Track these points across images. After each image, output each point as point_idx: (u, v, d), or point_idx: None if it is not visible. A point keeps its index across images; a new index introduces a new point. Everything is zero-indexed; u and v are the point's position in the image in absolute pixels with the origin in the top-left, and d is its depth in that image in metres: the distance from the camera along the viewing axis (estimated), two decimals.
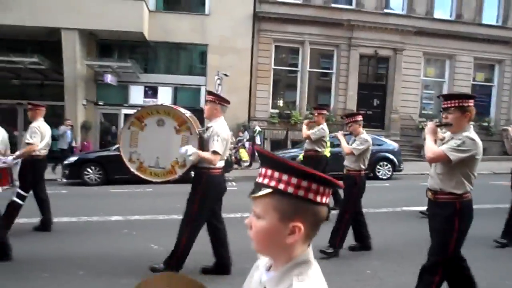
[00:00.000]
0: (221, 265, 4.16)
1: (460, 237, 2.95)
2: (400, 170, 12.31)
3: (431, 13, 19.23)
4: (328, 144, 7.24)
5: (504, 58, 19.71)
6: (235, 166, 14.13)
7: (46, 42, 16.80)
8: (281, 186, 0.93)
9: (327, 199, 0.97)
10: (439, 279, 2.97)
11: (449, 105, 3.03)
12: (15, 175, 5.32)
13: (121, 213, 7.02)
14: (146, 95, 17.55)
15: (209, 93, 4.35)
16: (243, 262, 4.02)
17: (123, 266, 4.36)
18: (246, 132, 16.40)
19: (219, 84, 13.97)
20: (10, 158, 5.07)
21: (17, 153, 5.35)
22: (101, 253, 4.85)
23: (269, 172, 0.96)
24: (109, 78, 15.47)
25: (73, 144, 14.75)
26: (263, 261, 1.08)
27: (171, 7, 17.98)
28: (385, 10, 18.95)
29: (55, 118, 18.10)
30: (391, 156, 12.36)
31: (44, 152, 5.77)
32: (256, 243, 1.00)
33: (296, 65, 18.86)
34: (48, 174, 12.73)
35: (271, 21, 17.87)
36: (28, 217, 6.61)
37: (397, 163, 12.33)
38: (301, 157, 7.45)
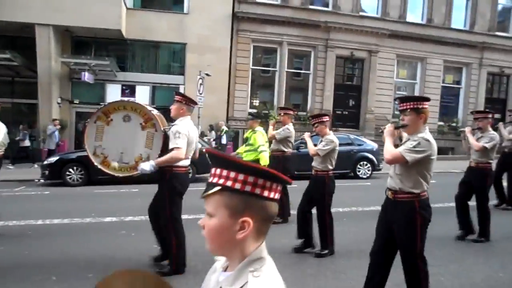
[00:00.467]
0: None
1: (422, 232, 3.09)
2: (380, 169, 12.69)
3: (404, 16, 19.90)
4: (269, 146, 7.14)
5: (471, 61, 20.65)
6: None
7: (19, 38, 16.25)
8: (229, 183, 0.96)
9: (276, 195, 1.00)
10: (424, 272, 3.13)
11: (405, 107, 3.14)
12: None
13: (113, 214, 6.94)
14: (123, 93, 17.25)
15: (177, 93, 4.44)
16: (196, 261, 4.18)
17: (131, 267, 4.35)
18: (213, 132, 16.43)
19: (201, 84, 13.90)
20: None
21: None
22: (104, 254, 4.81)
23: (218, 171, 0.99)
24: (86, 76, 15.12)
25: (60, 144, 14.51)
26: (219, 263, 1.11)
27: (149, 5, 17.78)
28: (361, 13, 19.43)
29: (27, 117, 17.65)
30: (371, 156, 12.72)
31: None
32: (210, 242, 1.02)
33: (274, 65, 19.05)
34: (25, 174, 12.44)
35: (250, 21, 17.99)
36: (27, 219, 6.48)
37: (376, 162, 12.70)
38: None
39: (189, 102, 4.31)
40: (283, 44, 18.52)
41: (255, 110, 18.39)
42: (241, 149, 7.49)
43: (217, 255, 1.09)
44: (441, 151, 19.61)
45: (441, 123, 20.24)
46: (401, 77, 20.60)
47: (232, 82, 18.08)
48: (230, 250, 1.01)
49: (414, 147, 2.98)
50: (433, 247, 4.19)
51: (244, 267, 0.98)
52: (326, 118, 5.10)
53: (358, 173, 12.59)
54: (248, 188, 0.96)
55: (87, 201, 8.44)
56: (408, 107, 3.12)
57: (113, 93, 17.14)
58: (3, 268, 4.33)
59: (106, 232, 5.93)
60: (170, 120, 4.41)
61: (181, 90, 17.54)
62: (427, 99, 3.25)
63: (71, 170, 10.61)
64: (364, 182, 11.64)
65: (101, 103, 16.95)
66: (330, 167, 4.92)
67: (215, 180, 0.99)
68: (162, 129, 4.17)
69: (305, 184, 5.12)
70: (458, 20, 20.78)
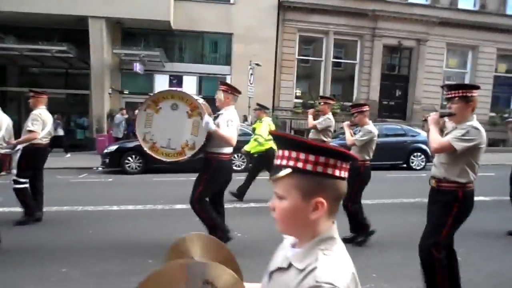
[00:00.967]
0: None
1: (454, 224, 2.97)
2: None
3: (455, 3, 19.17)
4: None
5: None
6: None
7: (71, 31, 16.75)
8: (300, 165, 0.95)
9: (346, 173, 0.99)
10: (439, 261, 2.99)
11: (453, 95, 3.01)
12: (14, 163, 5.34)
13: (183, 201, 7.05)
14: (171, 84, 17.55)
15: (222, 83, 4.55)
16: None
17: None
18: (245, 122, 16.43)
19: (251, 74, 13.94)
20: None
21: (17, 140, 5.31)
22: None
23: (286, 153, 0.98)
24: (138, 67, 15.47)
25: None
26: (288, 240, 1.10)
27: None
28: (409, 1, 18.87)
29: (79, 107, 18.30)
30: (425, 147, 12.42)
31: (45, 141, 5.62)
32: (281, 223, 1.01)
33: (319, 55, 18.83)
34: (86, 161, 12.93)
35: (296, 10, 17.83)
36: (78, 205, 6.75)
37: (430, 153, 12.40)
38: (246, 148, 7.56)
39: (234, 91, 4.44)
40: (329, 33, 18.27)
41: (300, 100, 18.35)
42: (249, 146, 7.54)
43: (288, 235, 1.08)
44: (492, 143, 18.97)
45: (493, 114, 19.47)
46: (450, 66, 19.91)
47: (278, 72, 18.03)
48: (302, 230, 1.00)
49: (463, 135, 2.86)
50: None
51: (314, 245, 0.97)
52: (365, 108, 5.04)
53: (411, 164, 12.35)
54: (320, 168, 0.95)
55: (153, 188, 8.69)
56: (456, 95, 2.98)
57: (161, 83, 17.47)
58: (101, 247, 4.52)
59: (176, 217, 6.06)
60: (215, 109, 4.50)
61: (228, 80, 17.69)
62: (477, 87, 3.10)
63: (129, 158, 10.93)
64: (419, 174, 11.39)
65: (149, 93, 17.30)
66: (367, 157, 4.87)
67: (284, 162, 0.98)
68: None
69: None
70: None
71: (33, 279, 3.66)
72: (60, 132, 15.66)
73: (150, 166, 10.70)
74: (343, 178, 0.99)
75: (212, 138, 4.19)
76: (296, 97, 18.60)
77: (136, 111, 4.70)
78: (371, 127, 4.89)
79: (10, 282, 3.60)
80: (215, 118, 4.27)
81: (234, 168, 11.62)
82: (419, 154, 12.47)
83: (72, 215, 6.14)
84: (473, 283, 3.61)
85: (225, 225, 4.43)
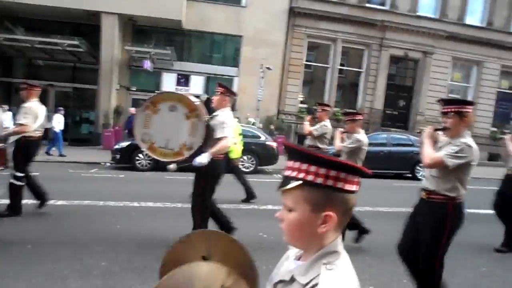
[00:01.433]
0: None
1: (449, 238, 3.04)
2: None
3: (462, 18, 19.46)
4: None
5: None
6: None
7: (81, 25, 16.79)
8: (310, 178, 0.94)
9: (356, 187, 0.98)
10: (439, 275, 3.10)
11: (448, 110, 3.08)
12: (9, 156, 5.32)
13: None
14: (178, 83, 17.64)
15: (219, 85, 4.64)
16: None
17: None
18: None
19: (262, 77, 14.06)
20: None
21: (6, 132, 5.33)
22: None
23: (297, 164, 0.97)
24: (147, 65, 15.52)
25: None
26: (292, 251, 1.10)
27: None
28: (418, 13, 19.12)
29: (86, 101, 18.28)
30: None
31: (38, 134, 5.61)
32: (289, 235, 1.01)
33: (326, 62, 19.01)
34: (95, 156, 12.94)
35: (306, 17, 18.01)
36: (99, 200, 6.81)
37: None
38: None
39: (231, 94, 4.57)
40: (337, 41, 18.47)
41: (306, 105, 18.50)
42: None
43: (295, 247, 1.08)
44: (493, 157, 19.24)
45: (494, 129, 19.77)
46: (455, 80, 20.19)
47: (285, 76, 18.19)
48: (309, 242, 1.00)
49: (456, 152, 2.92)
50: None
51: (318, 259, 0.97)
52: (359, 117, 5.11)
53: (416, 174, 12.54)
54: (330, 182, 0.94)
55: (166, 186, 8.77)
56: (451, 110, 3.06)
57: (168, 81, 17.58)
58: (133, 241, 4.61)
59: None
60: (210, 110, 4.59)
61: (235, 82, 17.87)
62: (472, 103, 3.21)
63: (140, 155, 10.99)
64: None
65: (157, 91, 17.43)
66: None
67: (294, 174, 0.97)
68: (204, 119, 4.39)
69: None
70: None
71: (74, 272, 3.75)
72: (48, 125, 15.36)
73: (160, 164, 10.76)
74: (353, 192, 0.98)
75: (208, 139, 4.31)
76: (301, 102, 18.75)
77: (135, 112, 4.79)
78: (361, 136, 4.92)
79: (53, 275, 3.68)
80: (210, 119, 4.40)
81: (244, 170, 11.77)
82: None
83: (95, 210, 6.23)
84: None
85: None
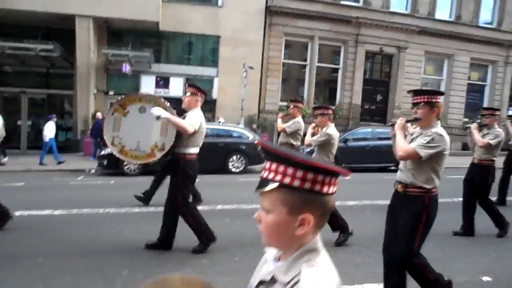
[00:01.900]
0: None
1: (425, 230, 3.05)
2: None
3: (432, 13, 20.06)
4: None
5: (497, 59, 20.90)
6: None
7: (53, 30, 16.28)
8: (287, 180, 0.93)
9: (334, 188, 0.97)
10: (422, 263, 3.12)
11: (418, 100, 3.09)
12: None
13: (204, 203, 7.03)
14: (157, 85, 17.38)
15: (190, 85, 4.64)
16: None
17: None
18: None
19: (245, 77, 14.07)
20: None
21: None
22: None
23: (274, 166, 0.95)
24: (126, 68, 15.22)
25: None
26: (270, 253, 1.10)
27: None
28: (390, 9, 19.57)
29: (62, 108, 17.77)
30: None
31: None
32: (267, 236, 1.00)
33: (305, 60, 19.19)
34: (78, 164, 12.60)
35: (283, 15, 18.11)
36: (98, 207, 6.66)
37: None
38: None
39: (202, 94, 4.58)
40: (314, 38, 18.67)
41: (285, 103, 18.59)
42: None
43: (274, 248, 1.07)
44: (466, 147, 19.90)
45: (466, 119, 20.48)
46: (428, 73, 20.81)
47: (264, 75, 18.23)
48: (288, 244, 0.99)
49: (428, 142, 2.95)
50: None
51: (298, 257, 0.96)
52: (328, 111, 5.11)
53: None
54: (307, 185, 0.93)
55: (159, 190, 8.63)
56: (421, 100, 3.07)
57: (147, 84, 17.29)
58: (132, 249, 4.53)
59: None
60: (182, 111, 4.61)
61: (215, 83, 17.79)
62: (441, 93, 3.28)
63: None
64: None
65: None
66: (327, 159, 4.90)
67: (271, 176, 0.96)
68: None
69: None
70: (486, 17, 20.97)
71: (98, 283, 3.66)
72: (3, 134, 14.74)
73: (149, 168, 10.60)
74: (331, 194, 0.97)
75: (180, 138, 4.32)
76: (281, 100, 18.84)
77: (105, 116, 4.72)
78: (331, 130, 4.94)
79: (76, 286, 3.57)
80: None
81: (233, 170, 11.76)
82: None
83: (97, 218, 6.09)
84: None
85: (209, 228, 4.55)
